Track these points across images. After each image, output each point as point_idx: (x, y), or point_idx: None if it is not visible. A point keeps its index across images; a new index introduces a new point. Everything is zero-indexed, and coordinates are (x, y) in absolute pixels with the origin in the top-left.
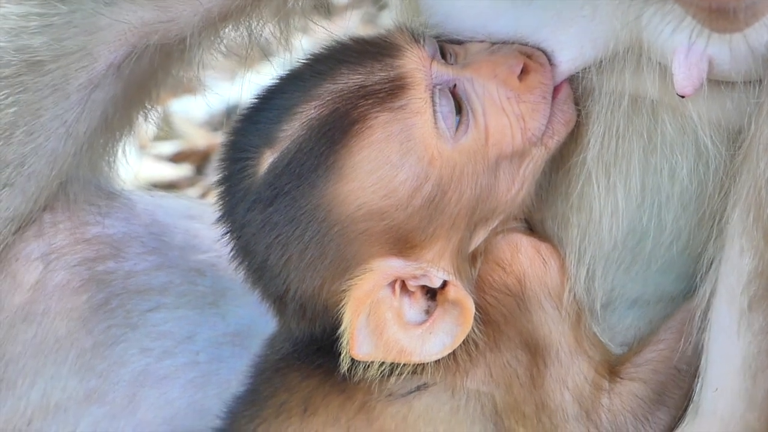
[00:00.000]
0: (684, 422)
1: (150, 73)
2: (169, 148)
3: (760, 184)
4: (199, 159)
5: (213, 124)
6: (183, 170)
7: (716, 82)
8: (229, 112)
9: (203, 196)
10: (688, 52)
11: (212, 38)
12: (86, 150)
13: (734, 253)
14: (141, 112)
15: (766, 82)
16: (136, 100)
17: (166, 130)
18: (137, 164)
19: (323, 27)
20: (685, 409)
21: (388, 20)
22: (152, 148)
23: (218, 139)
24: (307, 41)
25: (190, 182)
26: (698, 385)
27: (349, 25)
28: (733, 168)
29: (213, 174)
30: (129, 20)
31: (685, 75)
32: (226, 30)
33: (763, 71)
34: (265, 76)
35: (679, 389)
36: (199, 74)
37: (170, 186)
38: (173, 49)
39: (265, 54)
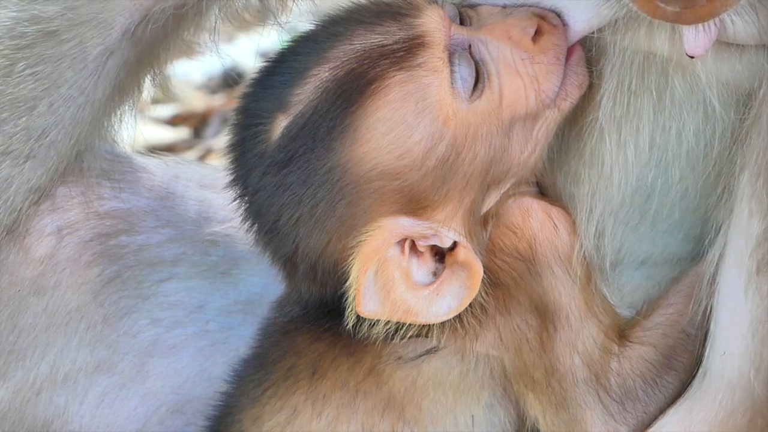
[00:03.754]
0: (692, 386)
1: (162, 37)
2: (166, 111)
3: None
4: (196, 122)
5: (211, 87)
6: (181, 133)
7: (727, 44)
8: (227, 75)
9: (201, 158)
10: None
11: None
12: (101, 116)
13: (743, 217)
14: (149, 76)
15: None
16: (146, 63)
17: (164, 93)
18: (135, 127)
19: None
20: (694, 374)
21: None
22: (150, 111)
23: (216, 102)
24: (305, 5)
25: (187, 145)
26: (707, 349)
27: None
28: (741, 132)
29: (213, 137)
30: None
31: (695, 35)
32: None
33: None
34: (264, 39)
35: (687, 353)
36: (214, 37)
37: (168, 149)
38: (187, 12)
39: (264, 18)
